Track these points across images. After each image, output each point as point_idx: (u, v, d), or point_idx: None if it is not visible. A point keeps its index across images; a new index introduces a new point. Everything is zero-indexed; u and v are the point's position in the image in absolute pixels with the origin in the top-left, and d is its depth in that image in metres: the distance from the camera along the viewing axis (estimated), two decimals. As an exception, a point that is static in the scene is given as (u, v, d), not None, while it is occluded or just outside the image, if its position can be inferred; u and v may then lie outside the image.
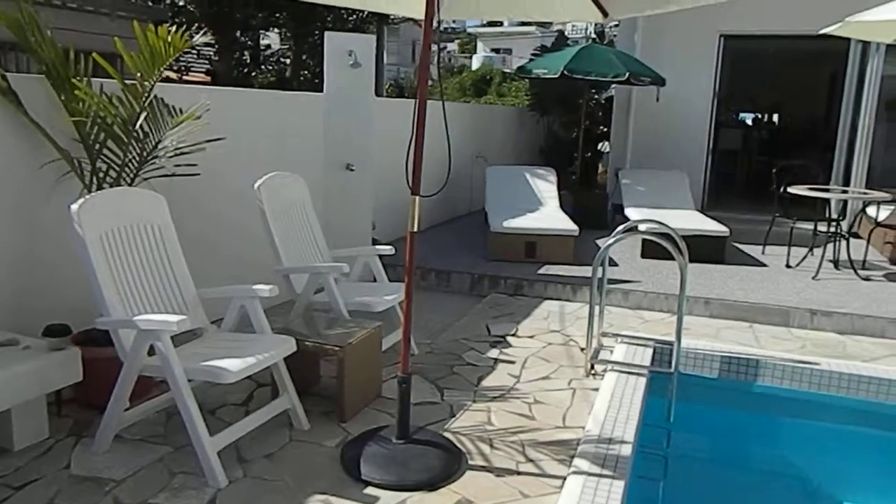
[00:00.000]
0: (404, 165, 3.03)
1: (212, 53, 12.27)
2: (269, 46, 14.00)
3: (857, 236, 7.51)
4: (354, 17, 12.32)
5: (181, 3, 11.52)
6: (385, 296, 4.10)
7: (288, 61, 13.24)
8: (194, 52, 12.09)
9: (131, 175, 3.62)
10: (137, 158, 3.63)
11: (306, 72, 12.77)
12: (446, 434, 3.37)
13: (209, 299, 3.48)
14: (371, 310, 3.99)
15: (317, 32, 11.73)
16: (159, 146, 3.64)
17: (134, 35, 3.45)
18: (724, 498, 3.65)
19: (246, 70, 12.81)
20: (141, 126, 3.60)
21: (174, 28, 3.51)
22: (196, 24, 11.29)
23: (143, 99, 3.59)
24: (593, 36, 18.09)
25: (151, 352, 2.93)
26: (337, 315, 3.94)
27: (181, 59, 11.77)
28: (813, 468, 3.99)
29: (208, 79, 12.57)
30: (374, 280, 4.54)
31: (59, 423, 3.29)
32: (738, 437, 4.32)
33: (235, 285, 3.44)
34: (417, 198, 3.01)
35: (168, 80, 9.96)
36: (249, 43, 12.89)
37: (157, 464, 2.99)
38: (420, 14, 3.12)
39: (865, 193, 7.21)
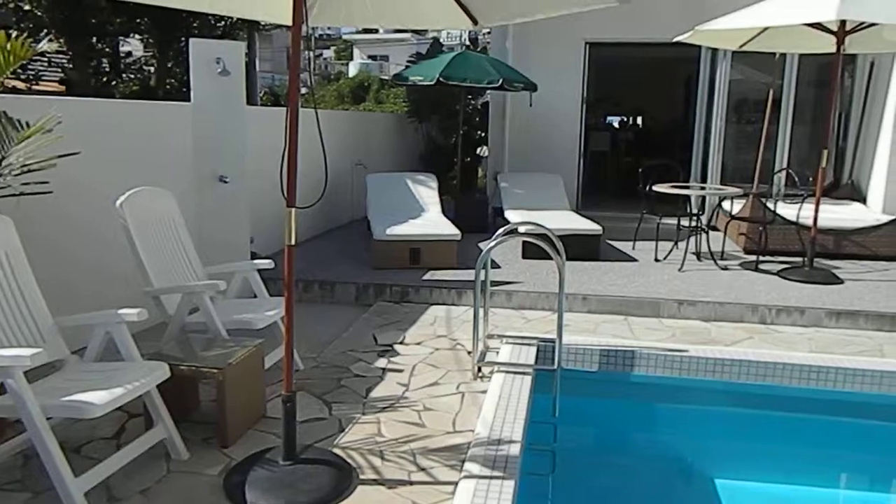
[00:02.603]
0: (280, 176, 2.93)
1: (65, 61, 11.38)
2: (130, 54, 13.17)
3: (715, 229, 8.11)
4: (223, 23, 11.81)
5: (27, 8, 10.58)
6: (266, 312, 3.96)
7: (152, 69, 12.53)
8: (45, 59, 11.17)
9: (-30, 196, 3.28)
10: (-23, 178, 3.30)
11: (173, 80, 12.12)
12: (336, 450, 3.29)
13: (73, 327, 3.21)
14: (252, 327, 3.84)
15: (183, 39, 11.16)
16: (3, 163, 3.32)
17: (-34, 42, 3.13)
18: (610, 484, 3.81)
19: (105, 79, 11.98)
20: (-20, 142, 3.27)
21: (14, 34, 3.22)
22: (45, 30, 10.42)
23: (-19, 112, 3.27)
24: (467, 43, 18.44)
25: (2, 390, 2.66)
26: (214, 335, 3.76)
27: (29, 67, 10.84)
28: (687, 448, 4.25)
29: (62, 88, 11.66)
30: (255, 296, 4.38)
31: None
32: (619, 426, 4.53)
33: (98, 311, 3.19)
34: (293, 210, 2.92)
35: (14, 90, 9.16)
36: (108, 50, 12.05)
37: (15, 513, 2.73)
38: (288, 21, 3.04)
39: (721, 189, 7.81)
